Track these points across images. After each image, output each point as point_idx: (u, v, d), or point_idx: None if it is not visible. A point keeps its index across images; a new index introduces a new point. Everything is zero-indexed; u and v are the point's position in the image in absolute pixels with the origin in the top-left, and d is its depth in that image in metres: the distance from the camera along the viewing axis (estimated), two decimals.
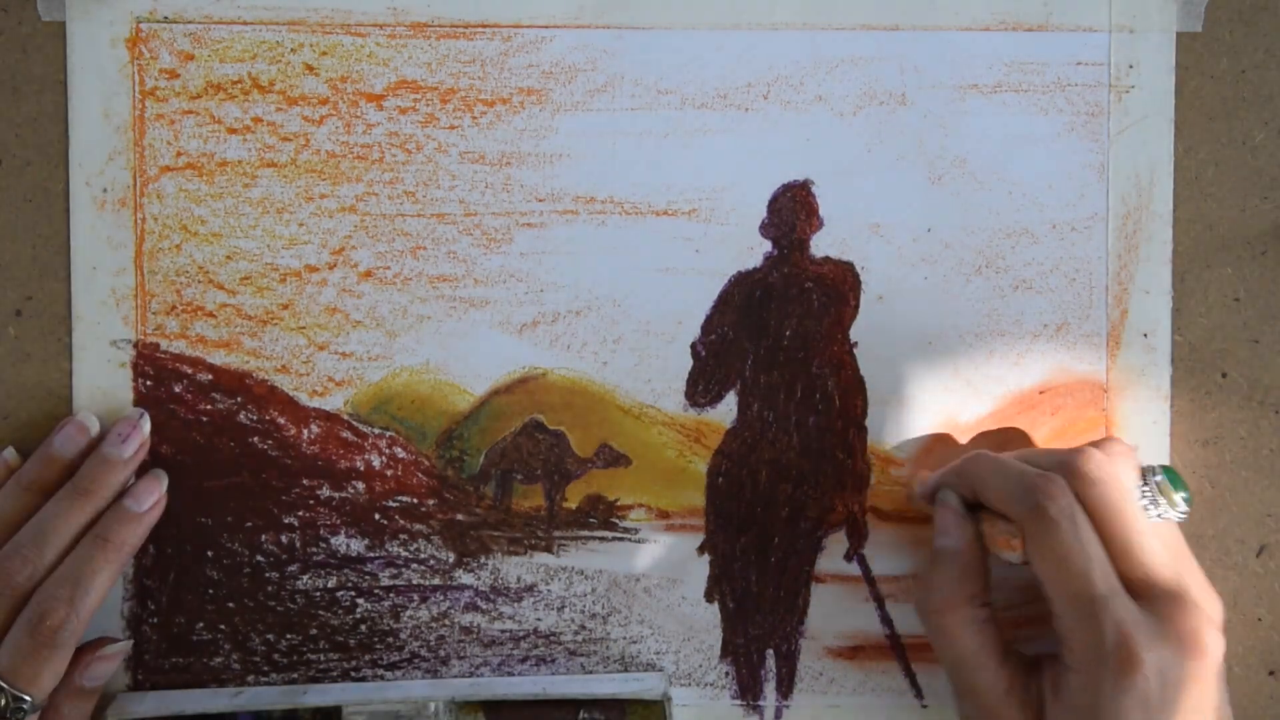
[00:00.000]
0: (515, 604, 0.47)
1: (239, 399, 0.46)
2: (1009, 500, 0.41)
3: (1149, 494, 0.42)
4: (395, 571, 0.47)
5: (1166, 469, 0.42)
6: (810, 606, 0.47)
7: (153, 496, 0.45)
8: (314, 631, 0.47)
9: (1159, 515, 0.42)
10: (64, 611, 0.41)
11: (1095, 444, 0.43)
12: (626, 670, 0.47)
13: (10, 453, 0.45)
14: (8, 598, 0.41)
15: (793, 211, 0.47)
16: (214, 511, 0.46)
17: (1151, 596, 0.39)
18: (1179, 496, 0.42)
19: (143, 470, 0.45)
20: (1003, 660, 0.42)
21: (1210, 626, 0.39)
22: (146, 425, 0.45)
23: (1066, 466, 0.41)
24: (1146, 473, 0.42)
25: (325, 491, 0.47)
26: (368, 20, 0.46)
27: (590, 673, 0.47)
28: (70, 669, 0.42)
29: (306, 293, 0.47)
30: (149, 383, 0.46)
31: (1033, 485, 0.40)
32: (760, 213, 0.47)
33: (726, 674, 0.47)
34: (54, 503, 0.43)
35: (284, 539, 0.47)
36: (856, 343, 0.47)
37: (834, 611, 0.47)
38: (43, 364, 0.46)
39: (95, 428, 0.45)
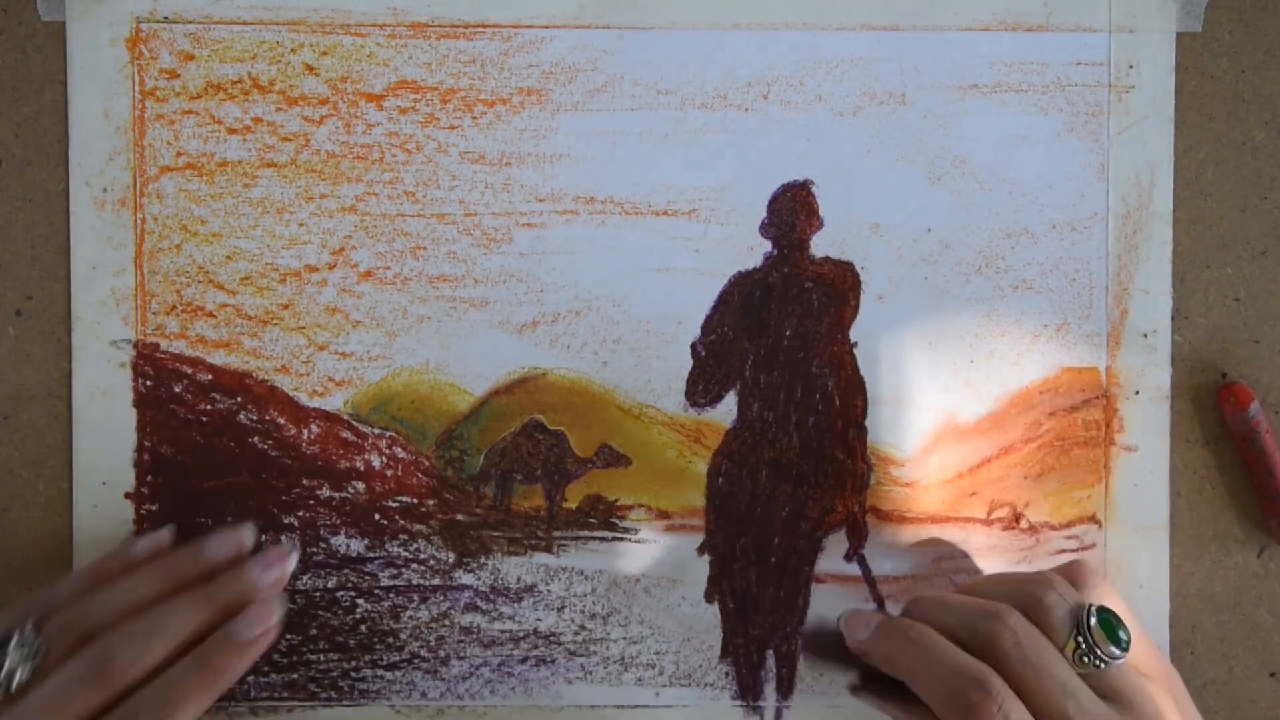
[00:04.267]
0: (515, 604, 0.47)
1: (239, 399, 0.46)
2: (939, 699, 0.38)
3: (1083, 644, 0.38)
4: (395, 571, 0.47)
5: (1102, 613, 0.38)
6: (810, 607, 0.47)
7: (263, 625, 0.42)
8: (314, 631, 0.47)
9: (1095, 664, 0.38)
10: None
11: (1063, 567, 0.42)
12: (626, 670, 0.47)
13: (168, 532, 0.45)
14: (104, 683, 0.39)
15: (793, 211, 0.47)
16: (214, 511, 0.46)
17: None
18: (1110, 648, 0.38)
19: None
20: None
21: None
22: (294, 561, 0.45)
23: (989, 649, 0.38)
24: (1081, 618, 0.38)
25: (325, 491, 0.47)
26: (368, 20, 0.46)
27: (590, 673, 0.47)
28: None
29: (306, 293, 0.47)
30: (149, 383, 0.46)
31: (962, 690, 0.37)
32: (760, 213, 0.47)
33: (726, 674, 0.47)
34: (182, 602, 0.41)
35: (284, 539, 0.47)
36: (856, 343, 0.47)
37: (834, 612, 0.47)
38: (43, 364, 0.46)
39: (250, 542, 0.45)
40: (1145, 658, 0.40)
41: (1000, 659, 0.38)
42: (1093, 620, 0.38)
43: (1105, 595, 0.41)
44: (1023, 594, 0.40)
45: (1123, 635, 0.38)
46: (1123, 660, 0.38)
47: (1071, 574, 0.41)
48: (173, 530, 0.45)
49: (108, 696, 0.39)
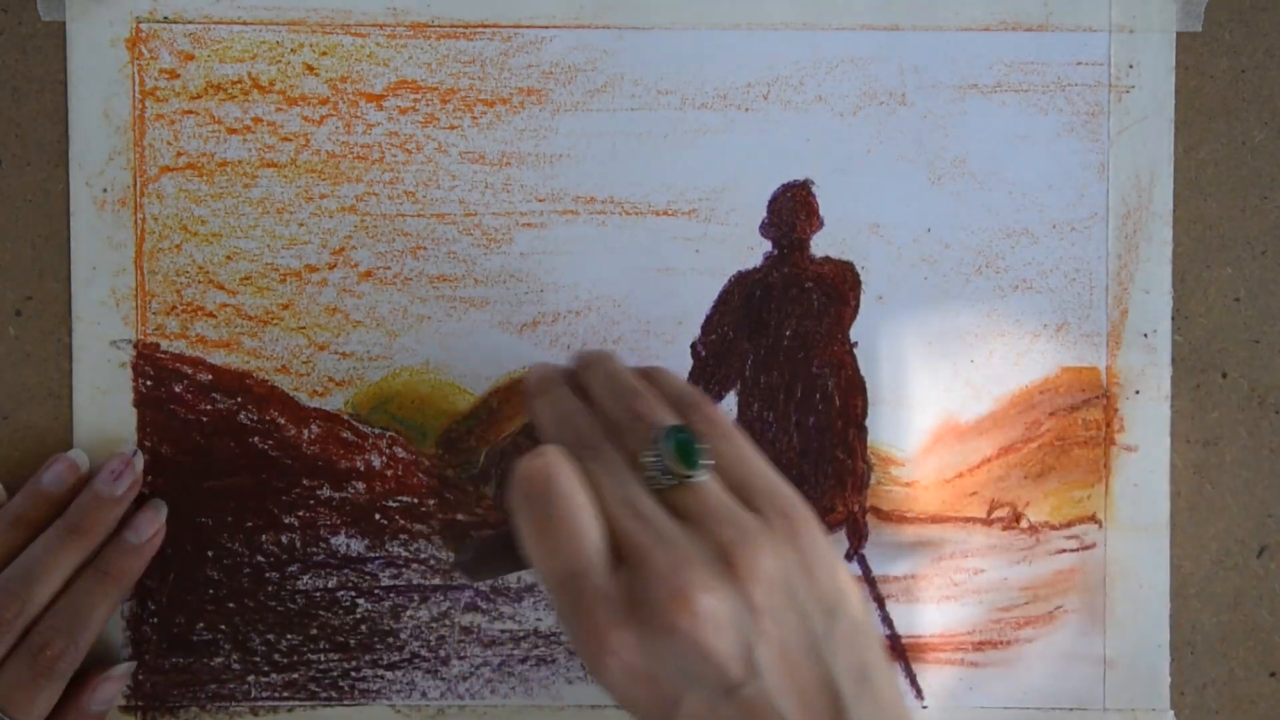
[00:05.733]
0: (515, 604, 0.47)
1: (239, 399, 0.46)
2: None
3: (652, 458, 0.35)
4: (395, 571, 0.47)
5: (678, 432, 0.35)
6: None
7: (153, 527, 0.45)
8: (314, 631, 0.47)
9: (666, 480, 0.35)
10: (63, 643, 0.41)
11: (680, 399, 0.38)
12: None
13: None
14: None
15: (793, 211, 0.47)
16: (214, 511, 0.46)
17: (626, 566, 0.33)
18: (679, 467, 0.35)
19: (139, 500, 0.45)
20: None
21: (689, 596, 0.32)
22: (139, 463, 0.45)
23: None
24: (659, 436, 0.35)
25: (325, 491, 0.47)
26: (368, 20, 0.46)
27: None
28: (79, 693, 0.43)
29: (306, 293, 0.47)
30: (149, 383, 0.46)
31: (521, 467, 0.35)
32: (760, 213, 0.47)
33: None
34: (44, 540, 0.43)
35: (284, 539, 0.47)
36: (856, 343, 0.47)
37: None
38: (43, 364, 0.46)
39: (85, 465, 0.45)
40: (769, 501, 0.35)
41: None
42: (664, 438, 0.35)
43: (720, 437, 0.37)
44: (620, 409, 0.37)
45: (697, 456, 0.35)
46: (700, 480, 0.35)
47: (684, 407, 0.38)
48: (0, 487, 0.45)
49: (10, 643, 0.41)
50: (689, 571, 0.32)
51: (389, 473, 0.47)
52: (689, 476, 0.35)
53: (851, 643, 0.34)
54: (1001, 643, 0.47)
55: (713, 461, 0.36)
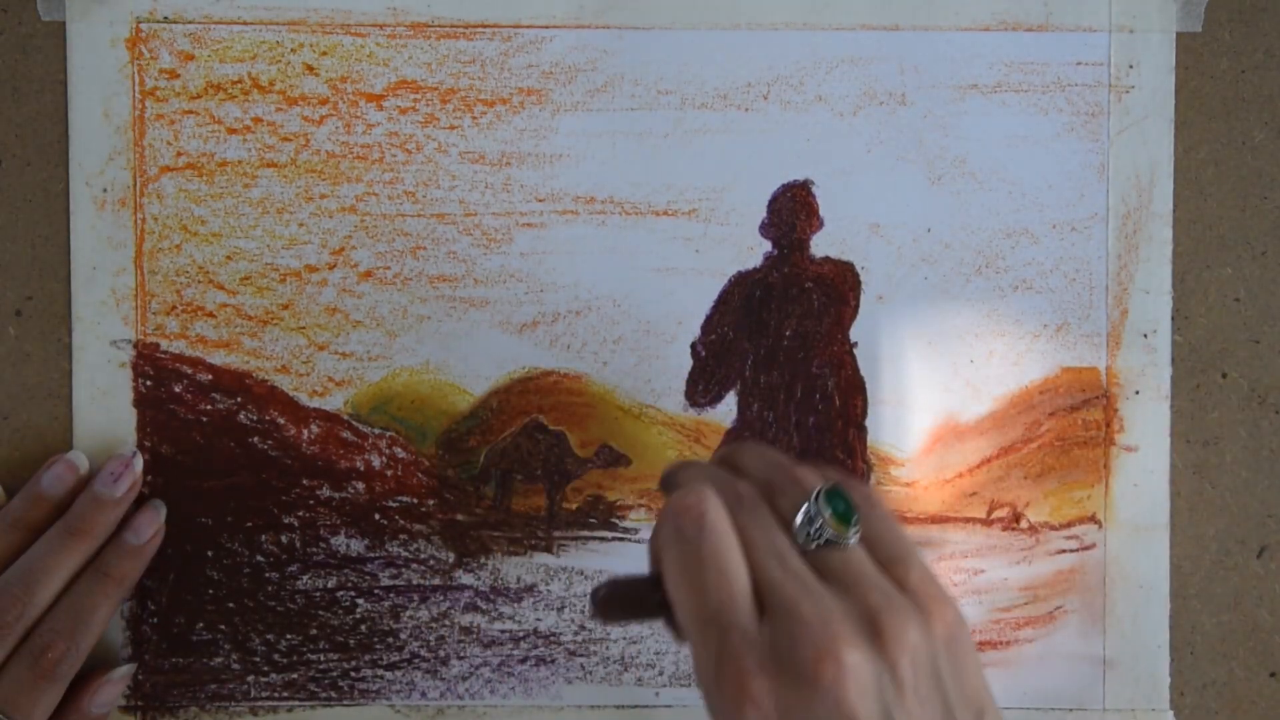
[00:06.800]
0: (515, 604, 0.47)
1: (239, 399, 0.46)
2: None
3: (807, 515, 0.35)
4: (395, 571, 0.47)
5: (833, 492, 0.35)
6: None
7: (152, 528, 0.45)
8: (314, 631, 0.47)
9: (817, 539, 0.34)
10: (64, 645, 0.41)
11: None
12: (626, 670, 0.47)
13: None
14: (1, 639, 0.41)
15: (793, 211, 0.47)
16: (214, 511, 0.46)
17: (771, 616, 0.33)
18: (833, 522, 0.34)
19: (139, 501, 0.45)
20: None
21: (835, 651, 0.31)
22: (139, 464, 0.45)
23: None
24: (812, 495, 0.35)
25: (325, 491, 0.47)
26: (368, 20, 0.46)
27: (590, 673, 0.47)
28: (79, 696, 0.43)
29: (306, 293, 0.47)
30: (149, 383, 0.46)
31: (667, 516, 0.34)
32: (760, 213, 0.47)
33: None
34: (44, 542, 0.43)
35: (284, 539, 0.47)
36: (856, 343, 0.47)
37: None
38: (43, 364, 0.46)
39: (85, 467, 0.45)
40: (921, 582, 0.35)
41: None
42: (821, 496, 0.35)
43: (870, 507, 0.36)
44: (773, 476, 0.37)
45: (854, 519, 0.34)
46: (849, 543, 0.34)
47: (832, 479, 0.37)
48: None
49: (11, 646, 0.41)
50: (837, 626, 0.32)
51: (389, 473, 0.47)
52: (842, 538, 0.34)
53: None
54: (1001, 643, 0.47)
55: (862, 529, 0.35)
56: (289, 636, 0.47)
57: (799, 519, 0.34)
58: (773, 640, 0.32)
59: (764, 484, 0.36)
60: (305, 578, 0.47)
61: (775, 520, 0.35)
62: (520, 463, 0.47)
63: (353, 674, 0.47)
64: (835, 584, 0.33)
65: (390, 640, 0.47)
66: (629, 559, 0.47)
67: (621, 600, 0.37)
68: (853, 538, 0.34)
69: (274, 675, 0.47)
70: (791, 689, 0.31)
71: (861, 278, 0.47)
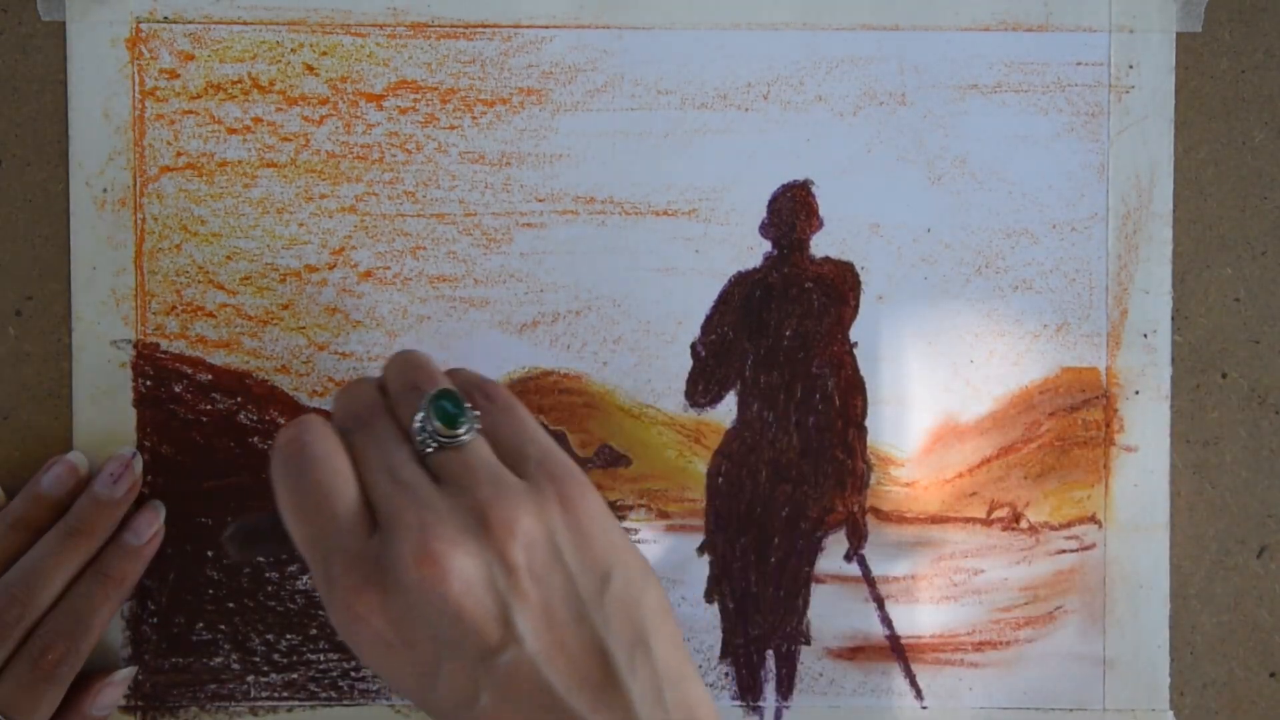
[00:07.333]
0: None
1: (239, 399, 0.46)
2: None
3: (420, 424, 0.35)
4: None
5: (441, 396, 0.35)
6: (810, 607, 0.47)
7: (152, 528, 0.45)
8: (314, 631, 0.47)
9: (429, 443, 0.34)
10: (65, 646, 0.41)
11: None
12: None
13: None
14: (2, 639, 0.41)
15: (793, 211, 0.47)
16: (214, 511, 0.46)
17: (380, 530, 0.33)
18: (447, 426, 0.34)
19: (139, 501, 0.45)
20: None
21: (433, 553, 0.31)
22: (139, 465, 0.45)
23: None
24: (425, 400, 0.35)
25: None
26: (368, 20, 0.46)
27: None
28: (80, 698, 0.43)
29: (306, 293, 0.47)
30: (149, 383, 0.46)
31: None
32: (760, 213, 0.47)
33: (726, 675, 0.47)
34: (44, 543, 0.43)
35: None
36: (856, 343, 0.47)
37: (834, 612, 0.47)
38: (43, 364, 0.46)
39: (85, 467, 0.45)
40: (540, 464, 0.35)
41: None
42: (429, 401, 0.35)
43: (499, 410, 0.36)
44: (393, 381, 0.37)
45: (460, 419, 0.34)
46: (464, 441, 0.34)
47: (469, 387, 0.37)
48: None
49: (11, 647, 0.41)
50: (438, 528, 0.32)
51: None
52: (452, 438, 0.34)
53: (626, 607, 0.33)
54: (1001, 643, 0.47)
55: (479, 426, 0.35)
56: (289, 636, 0.47)
57: (414, 426, 0.35)
58: (379, 553, 0.32)
59: (391, 396, 0.36)
60: (305, 577, 0.47)
61: (397, 433, 0.35)
62: None
63: (353, 674, 0.47)
64: (451, 485, 0.33)
65: None
66: None
67: (248, 536, 0.38)
68: (465, 436, 0.34)
69: (274, 675, 0.47)
70: (398, 596, 0.31)
71: (861, 278, 0.47)
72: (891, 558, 0.47)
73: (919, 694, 0.47)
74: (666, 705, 0.32)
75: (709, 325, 0.47)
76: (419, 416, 0.35)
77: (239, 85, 0.46)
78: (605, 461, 0.47)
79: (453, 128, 0.47)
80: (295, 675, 0.47)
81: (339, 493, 0.33)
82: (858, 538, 0.47)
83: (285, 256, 0.47)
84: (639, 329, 0.47)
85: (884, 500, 0.47)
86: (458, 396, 0.35)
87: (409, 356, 0.38)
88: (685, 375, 0.47)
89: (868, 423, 0.47)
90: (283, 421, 0.46)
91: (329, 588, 0.33)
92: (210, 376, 0.46)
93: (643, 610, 0.33)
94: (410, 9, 0.46)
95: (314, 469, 0.34)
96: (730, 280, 0.47)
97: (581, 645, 0.32)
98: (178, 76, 0.46)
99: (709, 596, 0.47)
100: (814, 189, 0.47)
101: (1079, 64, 0.47)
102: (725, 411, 0.47)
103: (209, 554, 0.46)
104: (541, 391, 0.47)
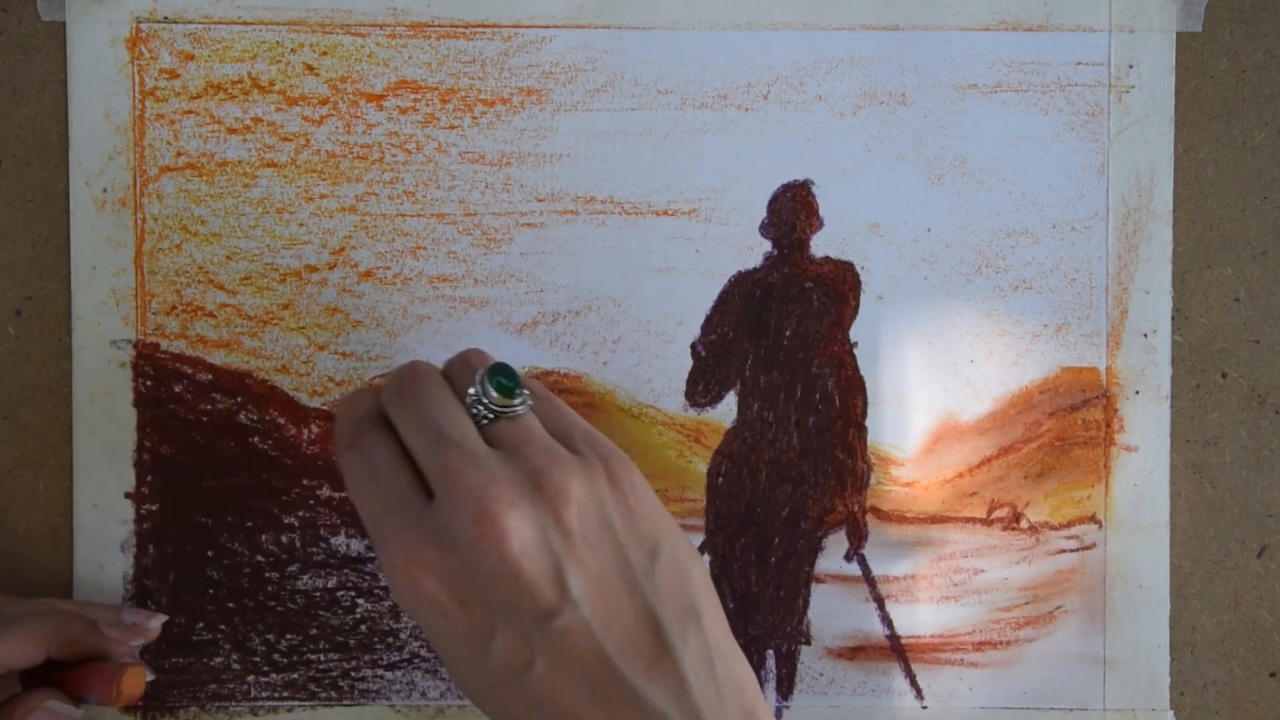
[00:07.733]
0: None
1: (239, 399, 0.46)
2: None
3: (473, 394, 0.36)
4: None
5: (496, 371, 0.36)
6: (810, 607, 0.47)
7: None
8: (314, 631, 0.47)
9: (487, 413, 0.35)
10: None
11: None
12: None
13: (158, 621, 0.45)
14: None
15: (793, 211, 0.47)
16: (214, 511, 0.46)
17: (437, 494, 0.33)
18: (494, 394, 0.36)
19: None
20: None
21: (492, 511, 0.31)
22: (157, 623, 0.44)
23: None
24: (478, 374, 0.36)
25: (325, 491, 0.47)
26: (368, 20, 0.46)
27: None
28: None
29: (306, 293, 0.47)
30: (149, 383, 0.46)
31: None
32: (760, 213, 0.47)
33: None
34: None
35: (284, 539, 0.47)
36: (856, 343, 0.47)
37: (834, 612, 0.47)
38: (43, 364, 0.46)
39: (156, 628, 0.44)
40: (587, 442, 0.36)
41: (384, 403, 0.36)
42: (484, 374, 0.36)
43: (541, 399, 0.37)
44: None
45: (516, 391, 0.36)
46: (518, 412, 0.35)
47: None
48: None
49: None
50: (495, 488, 0.32)
51: None
52: (508, 408, 0.35)
53: (676, 581, 0.33)
54: (1001, 643, 0.47)
55: (532, 401, 0.36)
56: (289, 636, 0.47)
57: (469, 397, 0.35)
58: (437, 515, 0.32)
59: (449, 373, 0.38)
60: (305, 578, 0.47)
61: (454, 402, 0.36)
62: None
63: (353, 674, 0.47)
64: (505, 450, 0.34)
65: (390, 640, 0.47)
66: None
67: None
68: (520, 408, 0.35)
69: (274, 675, 0.47)
70: (456, 554, 0.32)
71: (861, 278, 0.47)
72: (891, 557, 0.47)
73: (919, 694, 0.47)
74: (718, 679, 0.32)
75: (709, 325, 0.47)
76: (473, 389, 0.35)
77: (239, 85, 0.46)
78: None
79: (453, 128, 0.47)
80: (295, 675, 0.47)
81: (388, 469, 0.34)
82: (858, 537, 0.47)
83: (285, 256, 0.47)
84: (639, 329, 0.47)
85: (884, 500, 0.47)
86: (513, 370, 0.36)
87: (468, 352, 0.39)
88: (685, 375, 0.47)
89: (868, 422, 0.47)
90: (283, 421, 0.47)
91: (386, 551, 0.33)
92: (210, 376, 0.46)
93: (692, 584, 0.34)
94: (410, 9, 0.46)
95: (363, 452, 0.35)
96: (730, 280, 0.47)
97: (635, 614, 0.32)
98: (178, 76, 0.46)
99: None
100: (814, 189, 0.47)
101: (1079, 64, 0.47)
102: (725, 411, 0.47)
103: (209, 554, 0.46)
104: None
